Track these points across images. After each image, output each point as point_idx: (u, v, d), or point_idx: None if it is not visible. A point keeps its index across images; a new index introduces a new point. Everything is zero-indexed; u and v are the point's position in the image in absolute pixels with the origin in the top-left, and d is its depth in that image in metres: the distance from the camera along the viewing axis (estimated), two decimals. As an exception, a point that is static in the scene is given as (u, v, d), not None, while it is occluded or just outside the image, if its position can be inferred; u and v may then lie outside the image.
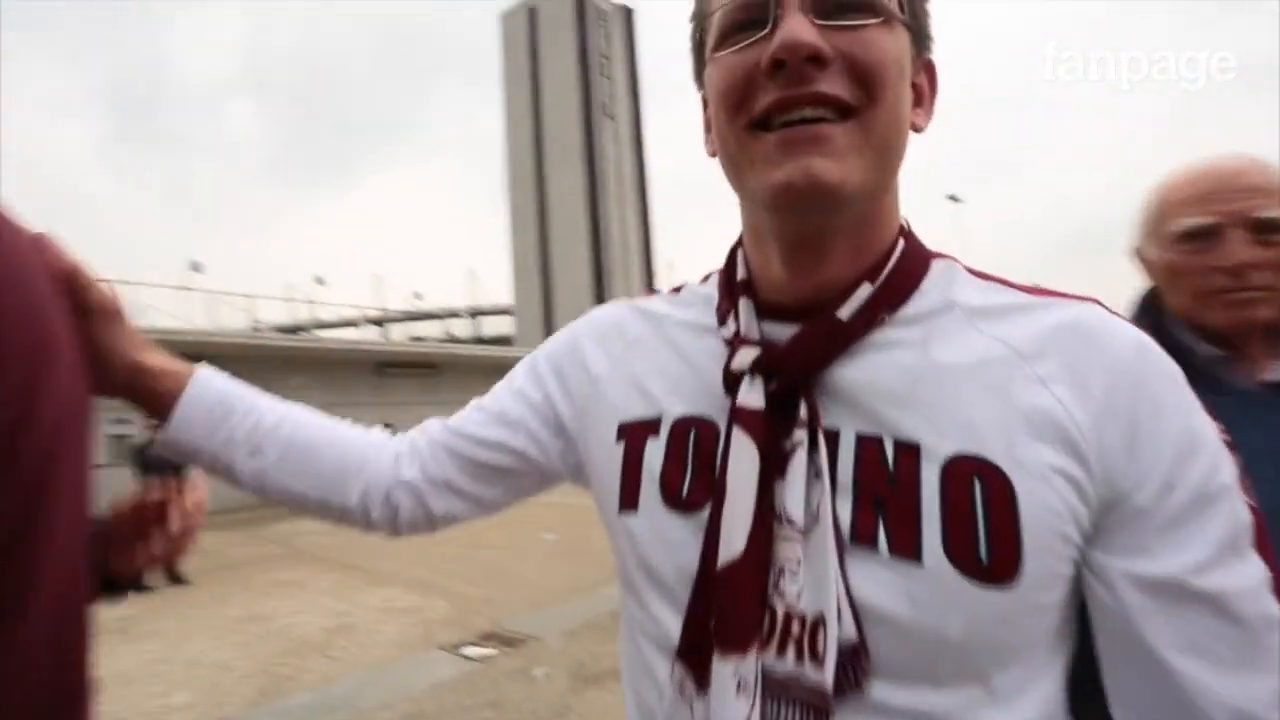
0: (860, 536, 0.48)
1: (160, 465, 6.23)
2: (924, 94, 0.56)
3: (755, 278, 0.59)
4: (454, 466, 0.72)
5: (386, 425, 0.82)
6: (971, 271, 0.56)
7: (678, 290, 0.69)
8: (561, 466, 0.71)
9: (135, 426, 8.65)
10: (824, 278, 0.54)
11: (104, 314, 0.62)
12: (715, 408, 0.56)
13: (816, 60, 0.46)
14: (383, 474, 0.72)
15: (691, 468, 0.56)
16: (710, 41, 0.54)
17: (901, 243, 0.55)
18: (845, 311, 0.52)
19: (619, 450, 0.61)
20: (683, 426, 0.58)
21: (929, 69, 0.57)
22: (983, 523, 0.45)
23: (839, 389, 0.52)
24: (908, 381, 0.50)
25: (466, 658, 4.43)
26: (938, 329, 0.52)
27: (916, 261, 0.56)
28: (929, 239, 0.58)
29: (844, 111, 0.48)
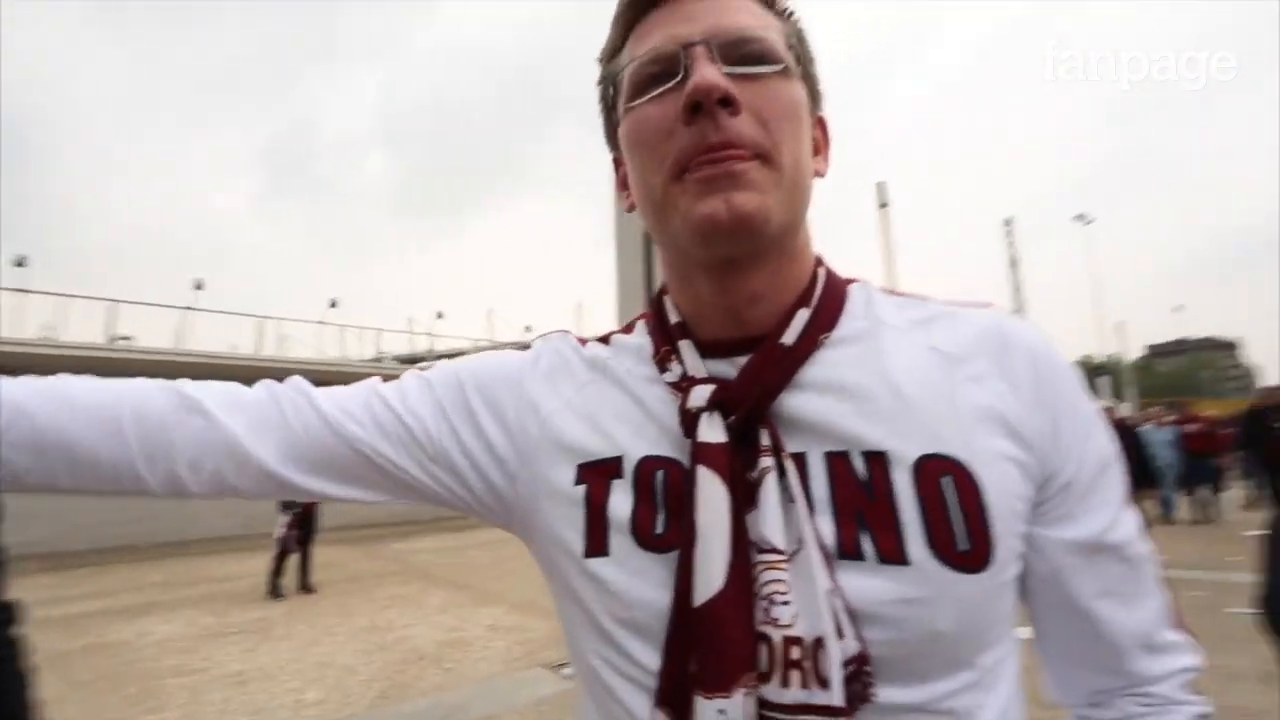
0: (847, 550, 0.50)
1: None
2: (820, 145, 0.61)
3: (688, 319, 0.60)
4: (350, 468, 0.62)
5: None
6: (884, 290, 0.62)
7: (606, 340, 0.67)
8: (492, 506, 0.64)
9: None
10: (756, 305, 0.56)
11: None
12: (678, 450, 0.55)
13: (728, 104, 0.50)
14: (215, 456, 0.58)
15: (664, 508, 0.54)
16: (624, 96, 0.57)
17: (822, 271, 0.60)
18: (789, 337, 0.55)
19: (579, 493, 0.57)
20: (648, 467, 0.56)
21: (822, 125, 0.62)
22: (959, 515, 0.50)
23: (796, 413, 0.54)
24: (861, 395, 0.53)
25: (567, 677, 4.50)
26: (874, 345, 0.56)
27: (838, 287, 0.60)
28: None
29: (754, 156, 0.51)
